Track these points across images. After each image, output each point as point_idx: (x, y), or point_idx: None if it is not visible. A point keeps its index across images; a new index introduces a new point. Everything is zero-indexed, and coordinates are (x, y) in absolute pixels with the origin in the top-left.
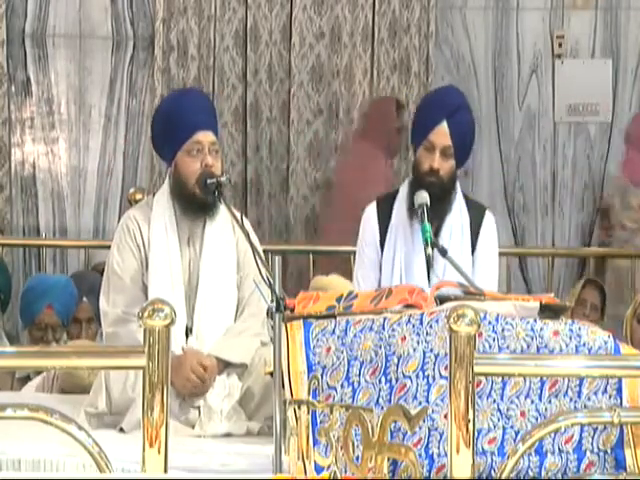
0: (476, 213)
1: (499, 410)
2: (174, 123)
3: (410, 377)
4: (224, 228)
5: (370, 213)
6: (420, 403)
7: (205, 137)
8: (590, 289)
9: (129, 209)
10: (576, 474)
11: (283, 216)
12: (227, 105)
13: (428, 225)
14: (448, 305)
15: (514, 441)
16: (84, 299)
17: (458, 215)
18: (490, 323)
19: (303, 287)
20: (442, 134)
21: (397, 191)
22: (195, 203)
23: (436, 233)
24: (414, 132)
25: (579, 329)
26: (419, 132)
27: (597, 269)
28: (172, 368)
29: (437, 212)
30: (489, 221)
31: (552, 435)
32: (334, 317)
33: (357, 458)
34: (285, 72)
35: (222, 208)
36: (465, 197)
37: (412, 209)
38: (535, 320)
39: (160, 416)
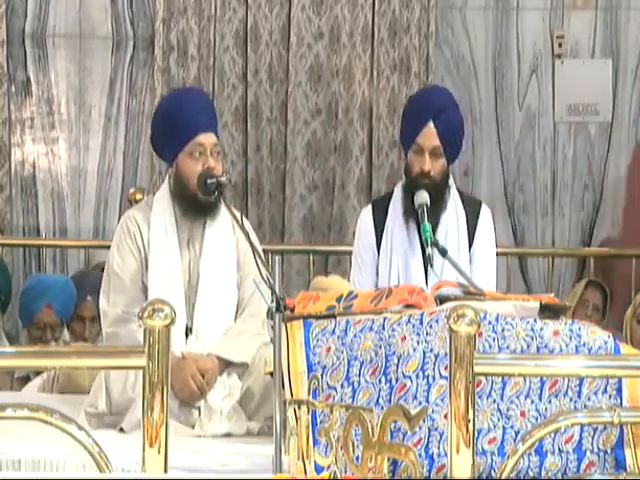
0: (472, 208)
1: (499, 410)
2: (175, 123)
3: (410, 377)
4: (224, 228)
5: (365, 216)
6: (420, 403)
7: (207, 139)
8: (592, 290)
9: (129, 209)
10: (576, 474)
11: (283, 216)
12: (227, 105)
13: (428, 225)
14: (448, 305)
15: (514, 441)
16: (88, 298)
17: (453, 212)
18: (490, 323)
19: (303, 287)
20: (429, 135)
21: (391, 193)
22: (197, 205)
23: (433, 230)
24: (403, 136)
25: (579, 329)
26: (407, 135)
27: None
28: (171, 372)
29: (432, 211)
30: (485, 215)
31: (552, 435)
32: (334, 317)
33: (357, 458)
34: (285, 72)
35: (223, 209)
36: (460, 193)
37: (407, 211)
38: (535, 320)
39: (160, 416)
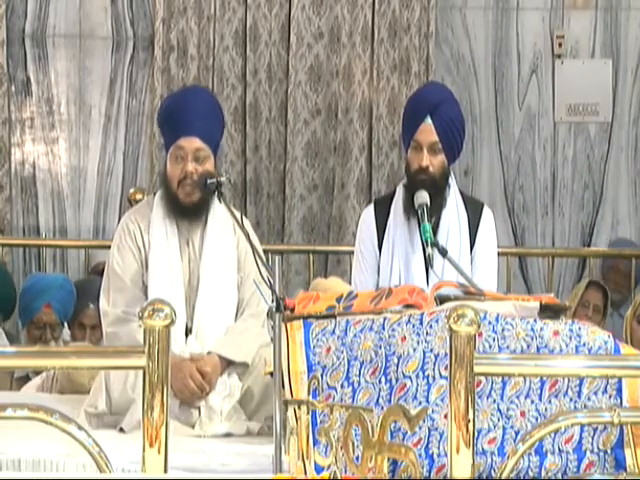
0: (474, 209)
1: (499, 410)
2: (165, 125)
3: (410, 377)
4: (224, 228)
5: (367, 215)
6: (420, 403)
7: (188, 143)
8: (593, 291)
9: (129, 209)
10: (576, 474)
11: (282, 216)
12: (226, 105)
13: (428, 225)
14: (448, 305)
15: (514, 441)
16: (90, 305)
17: (455, 211)
18: (490, 323)
19: (303, 287)
20: (427, 131)
21: (394, 193)
22: (177, 206)
23: (434, 229)
24: (403, 134)
25: (579, 329)
26: (406, 133)
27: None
28: (170, 373)
29: (432, 209)
30: (487, 217)
31: (552, 435)
32: (334, 317)
33: (357, 458)
34: (285, 72)
35: (219, 209)
36: (461, 193)
37: (409, 210)
38: (535, 320)
39: (160, 416)
